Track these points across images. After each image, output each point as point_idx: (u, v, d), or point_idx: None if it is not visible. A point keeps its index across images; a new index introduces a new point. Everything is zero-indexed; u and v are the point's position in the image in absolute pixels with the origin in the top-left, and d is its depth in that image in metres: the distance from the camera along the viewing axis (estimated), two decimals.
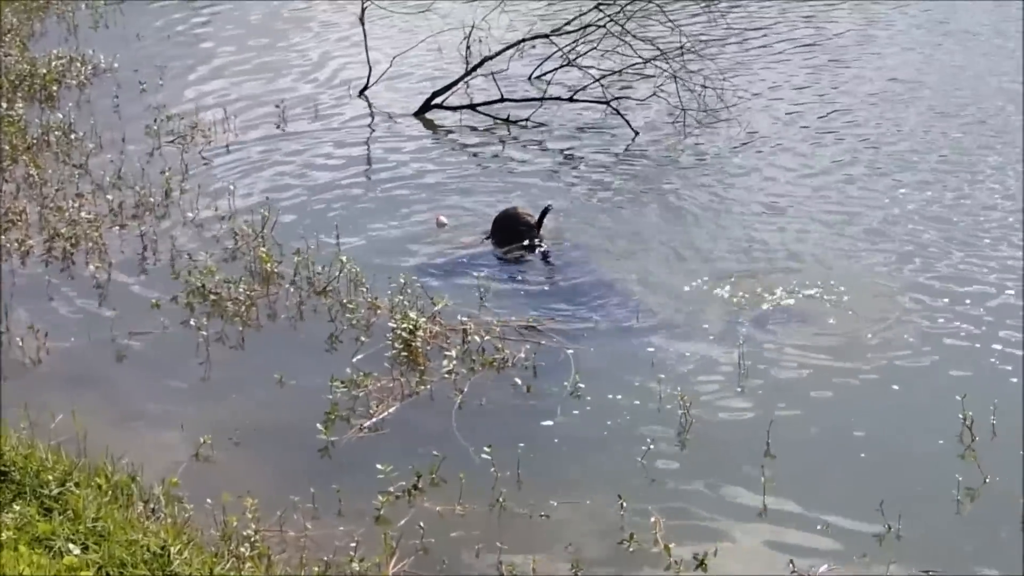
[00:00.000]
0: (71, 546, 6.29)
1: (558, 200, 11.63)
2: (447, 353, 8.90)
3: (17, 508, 6.55)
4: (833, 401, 8.43)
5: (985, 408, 7.87)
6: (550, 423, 8.24)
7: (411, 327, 9.03)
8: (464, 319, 9.25)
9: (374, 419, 8.21)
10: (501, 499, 7.29)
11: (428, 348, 9.03)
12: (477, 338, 9.10)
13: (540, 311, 9.77)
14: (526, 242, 10.85)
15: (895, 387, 8.55)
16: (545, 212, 10.99)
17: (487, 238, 10.98)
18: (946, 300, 9.72)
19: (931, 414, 8.16)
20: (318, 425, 8.00)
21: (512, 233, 10.92)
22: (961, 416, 7.83)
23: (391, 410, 8.34)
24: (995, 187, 11.98)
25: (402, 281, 9.71)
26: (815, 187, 12.17)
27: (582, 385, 8.53)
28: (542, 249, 10.82)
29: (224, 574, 6.40)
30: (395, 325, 9.12)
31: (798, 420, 8.15)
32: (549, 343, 9.21)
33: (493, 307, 9.71)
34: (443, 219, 11.45)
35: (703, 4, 16.60)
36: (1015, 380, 8.58)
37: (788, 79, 15.63)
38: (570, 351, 9.06)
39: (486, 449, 7.65)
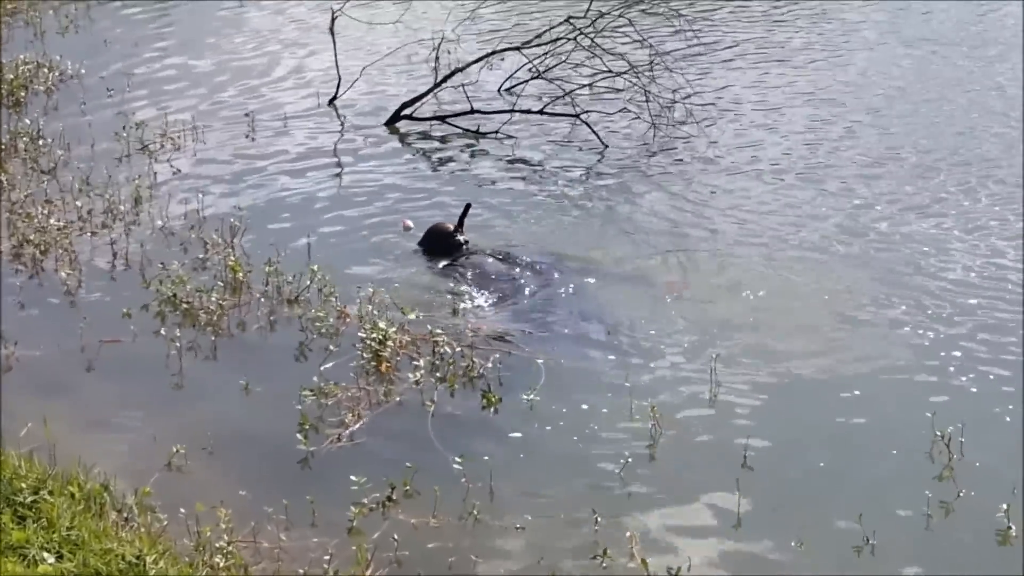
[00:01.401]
0: (45, 554, 6.28)
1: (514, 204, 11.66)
2: (416, 363, 8.90)
3: None
4: (805, 413, 8.48)
5: (954, 424, 7.92)
6: (521, 434, 8.25)
7: (381, 337, 9.02)
8: (437, 330, 9.24)
9: (349, 430, 8.20)
10: (475, 511, 7.29)
11: (398, 358, 9.02)
12: (447, 348, 9.10)
13: (510, 321, 9.78)
14: (462, 247, 10.96)
15: (864, 398, 8.56)
16: (465, 211, 11.19)
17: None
18: (903, 307, 9.82)
19: (904, 429, 8.19)
20: (298, 436, 7.99)
21: (448, 246, 11.00)
22: (939, 433, 7.84)
23: (363, 420, 8.33)
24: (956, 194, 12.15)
25: (371, 290, 9.71)
26: (784, 197, 12.20)
27: (552, 396, 8.54)
28: (486, 253, 10.82)
29: None
30: (365, 335, 9.10)
31: (770, 433, 8.17)
32: (520, 353, 9.22)
33: (463, 316, 9.71)
34: (409, 223, 11.57)
35: (671, 17, 16.58)
36: (974, 389, 8.67)
37: (755, 87, 15.68)
38: (540, 361, 9.07)
39: (457, 460, 7.66)
